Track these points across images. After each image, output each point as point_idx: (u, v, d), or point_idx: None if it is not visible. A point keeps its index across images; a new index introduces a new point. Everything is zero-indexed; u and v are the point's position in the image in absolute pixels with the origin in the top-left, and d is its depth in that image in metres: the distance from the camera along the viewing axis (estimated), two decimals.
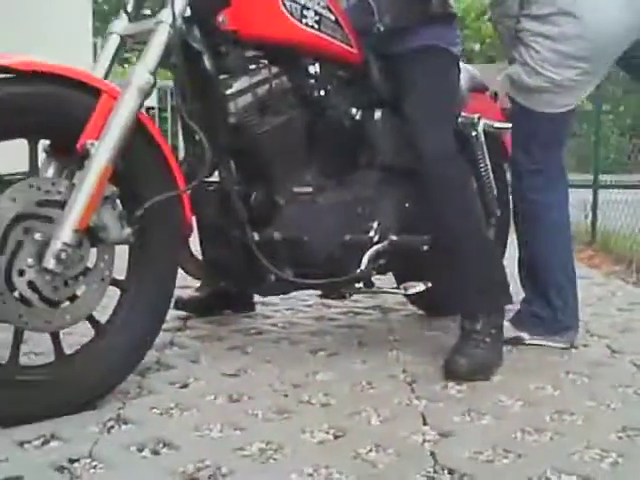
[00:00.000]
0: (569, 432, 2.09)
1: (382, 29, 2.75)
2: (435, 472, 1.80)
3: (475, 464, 1.86)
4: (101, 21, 13.83)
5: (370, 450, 1.92)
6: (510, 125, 3.27)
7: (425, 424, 2.11)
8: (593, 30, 2.77)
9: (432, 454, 1.90)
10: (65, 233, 1.98)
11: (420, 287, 2.86)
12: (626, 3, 2.77)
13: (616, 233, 6.30)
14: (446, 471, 1.80)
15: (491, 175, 3.41)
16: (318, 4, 2.61)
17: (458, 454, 1.91)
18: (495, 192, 3.45)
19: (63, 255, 1.97)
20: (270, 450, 1.89)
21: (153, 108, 12.57)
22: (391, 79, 2.85)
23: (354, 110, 2.80)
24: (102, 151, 2.03)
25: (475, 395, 2.39)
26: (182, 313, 3.22)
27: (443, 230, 2.73)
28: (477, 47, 31.77)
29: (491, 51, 31.80)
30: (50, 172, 2.20)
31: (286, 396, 2.30)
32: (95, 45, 12.55)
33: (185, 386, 2.38)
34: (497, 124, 3.50)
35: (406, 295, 3.08)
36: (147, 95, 2.17)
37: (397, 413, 2.19)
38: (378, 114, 2.84)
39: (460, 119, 3.23)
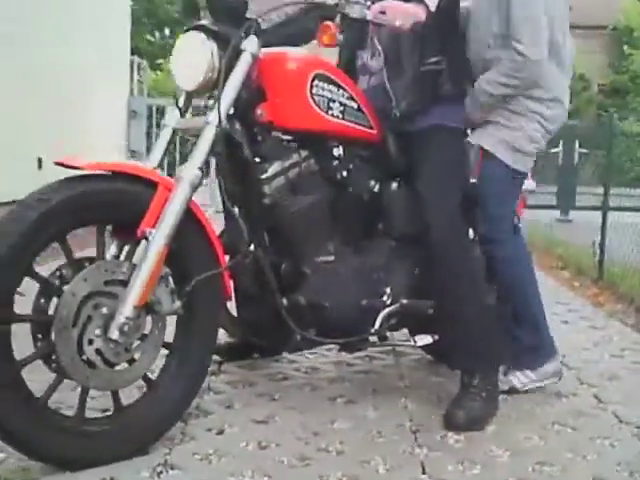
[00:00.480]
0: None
1: (399, 114, 3.14)
2: None
3: None
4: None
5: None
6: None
7: (424, 473, 2.50)
8: (565, 114, 3.37)
9: None
10: (127, 309, 2.39)
11: (428, 339, 3.26)
12: None
13: (624, 265, 6.47)
14: None
15: None
16: (342, 95, 3.00)
17: None
18: None
19: (125, 327, 2.38)
20: None
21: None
22: (405, 155, 3.23)
23: (372, 183, 3.19)
24: (158, 238, 2.44)
25: (470, 445, 2.77)
26: (216, 357, 3.60)
27: (447, 295, 3.11)
28: None
29: None
30: (112, 249, 2.60)
31: (307, 444, 2.69)
32: (132, 63, 13.00)
33: (221, 432, 2.77)
34: None
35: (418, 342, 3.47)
36: (196, 188, 2.57)
37: (401, 462, 2.57)
38: (394, 187, 3.22)
39: (470, 184, 3.59)
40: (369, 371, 3.67)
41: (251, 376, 3.46)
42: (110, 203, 2.48)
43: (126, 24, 12.74)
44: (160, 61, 31.87)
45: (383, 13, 2.85)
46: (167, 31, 49.78)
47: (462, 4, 3.26)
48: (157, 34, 45.39)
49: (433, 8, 2.87)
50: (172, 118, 2.85)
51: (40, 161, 8.50)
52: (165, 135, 2.85)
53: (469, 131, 3.41)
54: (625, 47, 32.93)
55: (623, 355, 4.20)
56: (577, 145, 12.76)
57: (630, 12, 33.75)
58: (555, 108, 3.28)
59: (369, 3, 2.90)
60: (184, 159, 3.13)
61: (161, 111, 13.53)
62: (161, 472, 2.42)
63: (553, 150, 12.98)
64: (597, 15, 34.33)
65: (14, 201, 5.80)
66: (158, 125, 13.28)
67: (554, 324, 4.65)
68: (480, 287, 3.23)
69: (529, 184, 4.01)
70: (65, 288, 2.37)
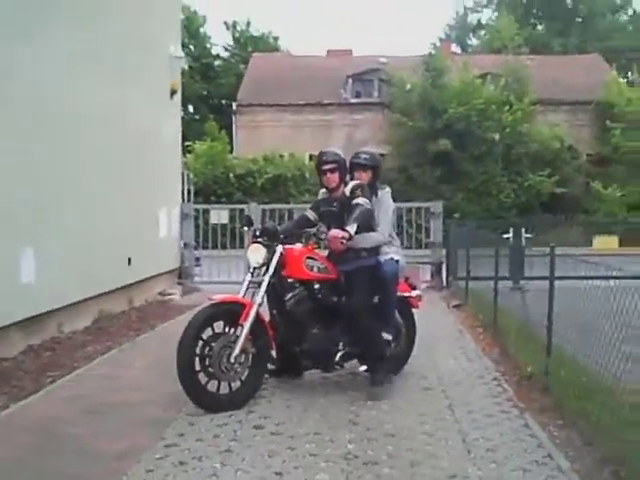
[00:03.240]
0: (397, 411, 6.42)
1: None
2: (354, 424, 6.12)
3: (373, 421, 6.18)
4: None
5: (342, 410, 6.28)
6: (413, 293, 7.77)
7: (351, 411, 6.45)
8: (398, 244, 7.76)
9: (351, 420, 6.24)
10: (236, 352, 6.45)
11: (364, 367, 7.33)
12: None
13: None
14: (356, 423, 6.14)
15: (398, 315, 7.76)
16: (318, 263, 7.07)
17: (365, 420, 6.23)
18: (402, 323, 7.81)
19: (236, 358, 6.43)
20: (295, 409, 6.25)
21: (225, 225, 16.86)
22: (347, 282, 7.21)
23: (333, 297, 7.20)
24: (247, 325, 6.47)
25: (374, 404, 6.70)
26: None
27: (365, 343, 7.13)
28: (497, 136, 35.58)
29: (509, 139, 35.67)
30: (222, 325, 6.57)
31: (312, 402, 6.65)
32: (182, 176, 16.99)
33: (270, 402, 6.72)
34: (405, 294, 7.84)
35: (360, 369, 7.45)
36: (260, 306, 6.59)
37: (344, 409, 6.53)
38: (343, 298, 7.21)
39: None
40: (334, 378, 7.62)
41: (281, 382, 7.39)
42: (227, 313, 6.52)
43: (179, 148, 16.84)
44: (188, 143, 35.13)
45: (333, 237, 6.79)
46: (191, 108, 53.55)
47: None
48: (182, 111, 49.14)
49: (353, 233, 6.79)
50: (249, 276, 6.87)
51: (129, 260, 12.52)
52: (245, 283, 6.85)
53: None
54: (607, 122, 36.08)
55: (473, 373, 8.04)
56: (523, 231, 16.56)
57: (611, 89, 37.40)
58: (395, 244, 7.53)
59: (327, 231, 6.99)
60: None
61: (204, 213, 17.44)
62: (250, 413, 6.36)
63: (505, 235, 16.77)
64: (583, 91, 38.08)
65: (115, 289, 10.55)
66: (206, 223, 17.40)
67: (447, 358, 8.70)
68: (380, 339, 7.25)
69: (418, 292, 8.01)
70: (214, 344, 6.38)
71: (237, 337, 6.50)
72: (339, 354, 7.18)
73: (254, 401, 6.70)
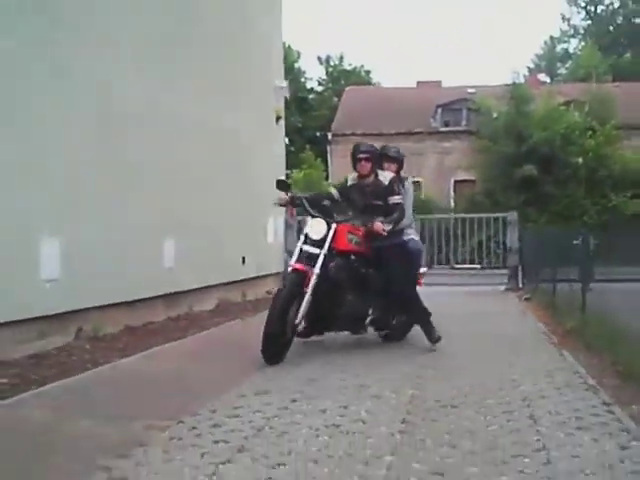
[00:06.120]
0: (454, 355, 8.40)
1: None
2: (409, 361, 8.14)
3: (428, 360, 8.21)
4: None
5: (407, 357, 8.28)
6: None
7: (416, 358, 8.45)
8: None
9: (409, 359, 8.25)
10: (302, 314, 8.18)
11: (384, 332, 9.33)
12: None
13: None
14: (412, 361, 8.14)
15: None
16: (356, 237, 8.72)
17: (420, 361, 8.25)
18: None
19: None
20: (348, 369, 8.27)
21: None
22: (378, 257, 8.89)
23: (364, 269, 8.80)
24: (310, 291, 8.10)
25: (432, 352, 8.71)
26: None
27: (411, 311, 9.10)
28: (580, 160, 36.71)
29: (592, 163, 36.76)
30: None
31: (344, 356, 8.72)
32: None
33: (339, 356, 8.77)
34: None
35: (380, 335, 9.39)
36: (319, 277, 8.27)
37: (408, 355, 8.55)
38: (373, 270, 8.83)
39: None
40: (360, 341, 9.32)
41: (345, 345, 9.34)
42: (297, 280, 8.25)
43: (283, 165, 19.09)
44: (286, 172, 37.05)
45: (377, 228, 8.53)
46: (287, 140, 55.34)
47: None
48: None
49: (388, 229, 8.46)
50: (302, 244, 8.39)
51: (243, 259, 14.79)
52: (296, 250, 8.53)
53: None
54: None
55: (528, 332, 9.95)
56: (591, 238, 18.16)
57: None
58: (412, 226, 9.47)
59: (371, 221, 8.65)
60: None
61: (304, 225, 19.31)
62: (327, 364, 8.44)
63: (575, 242, 18.22)
64: None
65: (227, 283, 13.08)
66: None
67: (508, 325, 10.58)
68: (422, 304, 9.08)
69: (424, 269, 9.94)
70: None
71: (304, 298, 8.00)
72: (367, 319, 8.90)
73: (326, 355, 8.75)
